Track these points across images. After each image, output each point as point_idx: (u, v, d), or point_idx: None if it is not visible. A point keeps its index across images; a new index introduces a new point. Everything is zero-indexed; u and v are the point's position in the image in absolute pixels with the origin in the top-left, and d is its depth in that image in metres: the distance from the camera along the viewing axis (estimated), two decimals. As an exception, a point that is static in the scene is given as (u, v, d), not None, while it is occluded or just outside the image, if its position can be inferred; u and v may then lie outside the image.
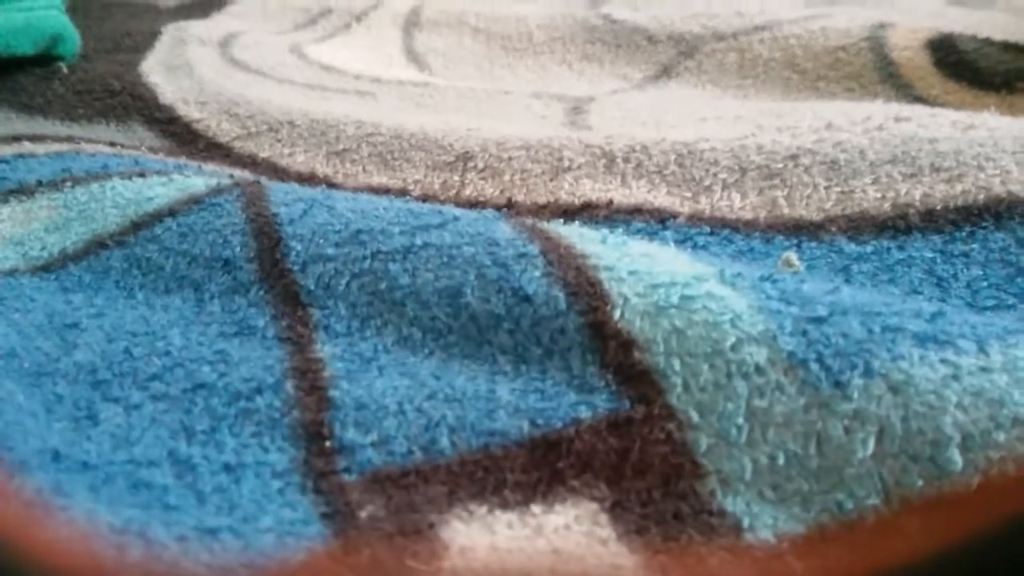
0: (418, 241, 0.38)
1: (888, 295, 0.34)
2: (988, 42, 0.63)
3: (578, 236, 0.37)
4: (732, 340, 0.31)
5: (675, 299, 0.33)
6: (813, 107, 0.55)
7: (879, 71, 0.65)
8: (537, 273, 0.35)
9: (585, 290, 0.34)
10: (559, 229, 0.38)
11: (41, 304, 0.40)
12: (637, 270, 0.34)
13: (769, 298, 0.32)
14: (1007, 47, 0.62)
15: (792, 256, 0.41)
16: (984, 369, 0.29)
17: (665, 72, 0.73)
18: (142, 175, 0.48)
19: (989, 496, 0.26)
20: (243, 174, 0.54)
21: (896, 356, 0.30)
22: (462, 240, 0.37)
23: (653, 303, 0.33)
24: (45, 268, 0.44)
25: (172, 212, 0.44)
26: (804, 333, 0.31)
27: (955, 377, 0.29)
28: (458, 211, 0.41)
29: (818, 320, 0.31)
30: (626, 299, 0.33)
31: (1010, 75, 0.60)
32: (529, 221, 0.40)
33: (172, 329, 0.38)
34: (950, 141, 0.45)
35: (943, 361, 0.29)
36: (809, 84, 0.67)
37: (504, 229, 0.38)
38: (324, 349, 0.36)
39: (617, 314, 0.33)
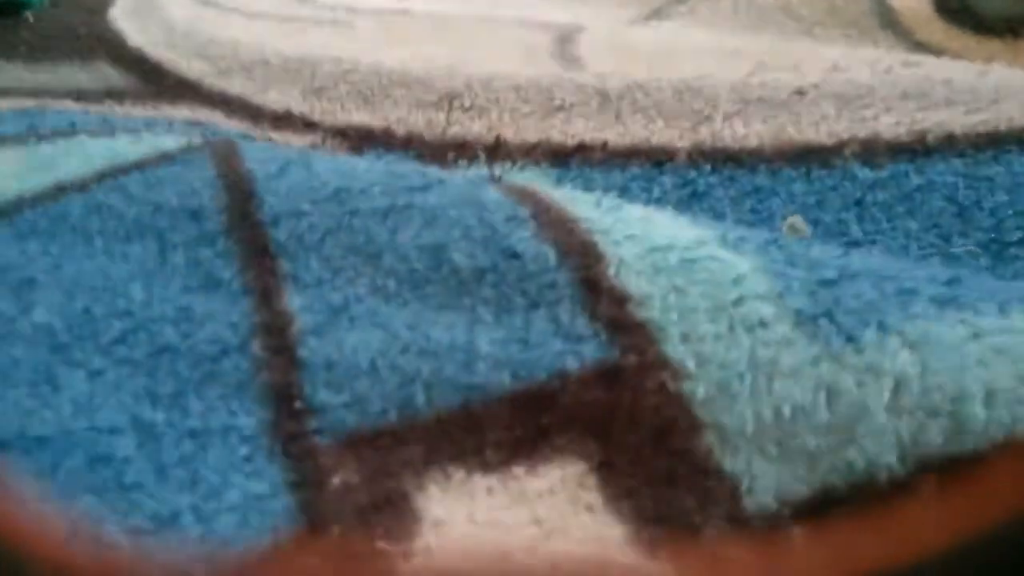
0: (400, 202, 0.36)
1: (901, 260, 0.32)
2: None
3: (571, 200, 0.35)
4: (735, 296, 0.29)
5: (674, 261, 0.30)
6: (816, 49, 0.53)
7: (878, 16, 0.62)
8: (527, 233, 0.33)
9: (578, 250, 0.32)
10: (552, 193, 0.36)
11: None
12: (634, 234, 0.32)
13: (775, 261, 0.30)
14: None
15: (798, 220, 0.38)
16: (1006, 330, 0.27)
17: (656, 15, 0.71)
18: (110, 133, 0.46)
19: (1015, 459, 0.24)
20: (214, 121, 0.53)
21: (912, 315, 0.27)
22: (448, 202, 0.35)
23: (651, 264, 0.31)
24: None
25: (140, 166, 0.42)
26: (812, 293, 0.29)
27: (975, 336, 0.27)
28: (444, 173, 0.38)
29: (827, 282, 0.29)
30: (622, 259, 0.31)
31: (1014, 20, 0.58)
32: (519, 185, 0.37)
33: (133, 283, 0.36)
34: (964, 82, 0.43)
35: (962, 322, 0.27)
36: (806, 30, 0.64)
37: (492, 192, 0.36)
38: (292, 300, 0.33)
39: (612, 271, 0.31)
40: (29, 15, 0.68)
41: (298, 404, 0.30)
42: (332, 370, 0.30)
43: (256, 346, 0.32)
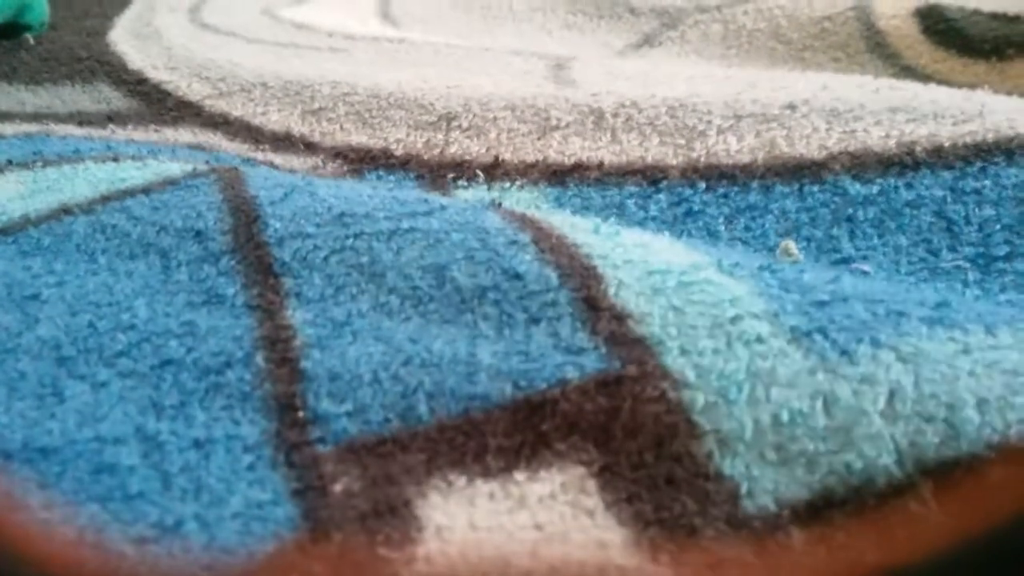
0: (404, 225, 0.36)
1: (891, 284, 0.33)
2: (976, 11, 0.61)
3: (570, 226, 0.35)
4: (732, 314, 0.30)
5: (672, 284, 0.31)
6: (805, 73, 0.54)
7: (866, 40, 0.64)
8: (528, 256, 0.33)
9: (578, 272, 0.32)
10: (550, 219, 0.37)
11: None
12: (632, 259, 0.33)
13: (769, 286, 0.31)
14: (996, 16, 0.60)
15: (791, 244, 0.39)
16: (994, 347, 0.28)
17: (647, 41, 0.72)
18: (115, 160, 0.47)
19: (1012, 462, 0.25)
20: (215, 143, 0.53)
21: (903, 332, 0.28)
22: (450, 227, 0.36)
23: (649, 285, 0.31)
24: (3, 231, 0.42)
25: (146, 191, 0.42)
26: (806, 313, 0.29)
27: (965, 351, 0.28)
28: (446, 200, 0.39)
29: (820, 303, 0.30)
30: (621, 281, 0.32)
31: (1000, 42, 0.59)
32: (519, 211, 0.38)
33: (137, 299, 0.36)
34: (951, 99, 0.44)
35: (951, 339, 0.28)
36: (795, 54, 0.65)
37: (493, 218, 0.36)
38: (295, 315, 0.34)
39: (612, 291, 0.31)
40: (30, 37, 0.68)
41: (301, 414, 0.30)
42: (335, 381, 0.31)
43: (259, 358, 0.32)
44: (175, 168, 0.45)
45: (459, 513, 0.26)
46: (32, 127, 0.54)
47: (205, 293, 0.36)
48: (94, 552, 0.25)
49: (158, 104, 0.59)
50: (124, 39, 0.69)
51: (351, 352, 0.32)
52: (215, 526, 0.26)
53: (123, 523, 0.26)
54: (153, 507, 0.27)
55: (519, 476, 0.27)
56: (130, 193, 0.42)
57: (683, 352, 0.29)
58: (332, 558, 0.25)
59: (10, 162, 0.48)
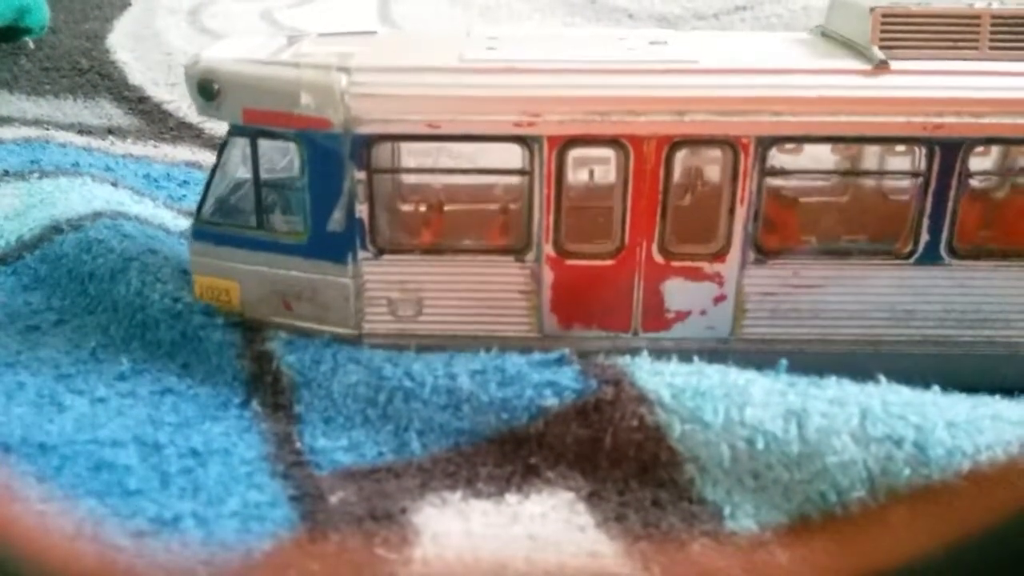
0: None
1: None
2: None
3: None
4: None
5: None
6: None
7: None
8: None
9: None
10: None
11: (0, 304, 0.40)
12: None
13: None
14: None
15: None
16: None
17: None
18: (114, 184, 0.48)
19: (979, 486, 0.26)
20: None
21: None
22: None
23: None
24: (2, 260, 0.43)
25: (139, 219, 0.44)
26: None
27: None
28: None
29: None
30: None
31: None
32: None
33: (133, 342, 0.37)
34: None
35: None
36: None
37: None
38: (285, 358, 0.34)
39: None
40: (29, 41, 0.67)
41: (298, 445, 0.31)
42: (329, 424, 0.32)
43: (255, 404, 0.33)
44: (168, 220, 0.46)
45: (454, 523, 0.27)
46: (32, 131, 0.55)
47: (195, 342, 0.36)
48: (91, 544, 0.26)
49: (159, 123, 0.60)
50: (124, 44, 0.68)
51: (337, 388, 0.33)
52: (213, 523, 0.27)
53: (121, 517, 0.27)
54: (151, 503, 0.27)
55: (511, 499, 0.28)
56: (124, 216, 0.43)
57: (656, 372, 0.30)
58: (330, 557, 0.25)
59: (7, 172, 0.49)
